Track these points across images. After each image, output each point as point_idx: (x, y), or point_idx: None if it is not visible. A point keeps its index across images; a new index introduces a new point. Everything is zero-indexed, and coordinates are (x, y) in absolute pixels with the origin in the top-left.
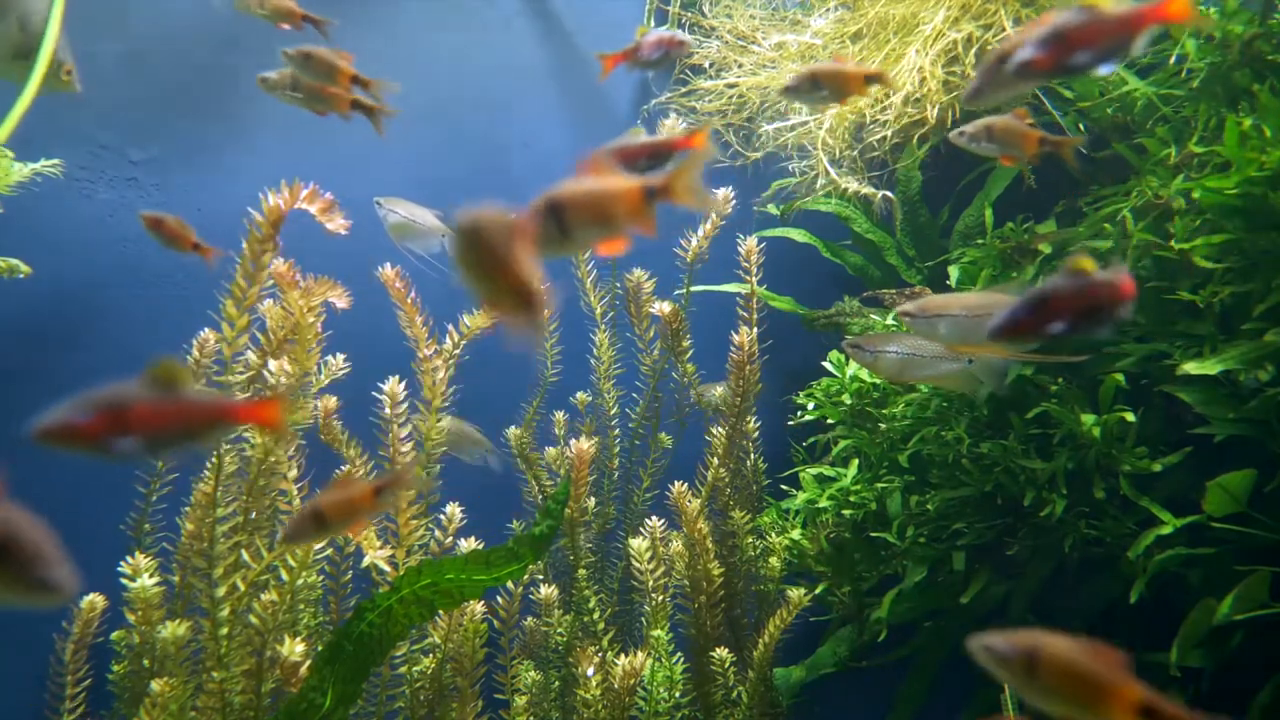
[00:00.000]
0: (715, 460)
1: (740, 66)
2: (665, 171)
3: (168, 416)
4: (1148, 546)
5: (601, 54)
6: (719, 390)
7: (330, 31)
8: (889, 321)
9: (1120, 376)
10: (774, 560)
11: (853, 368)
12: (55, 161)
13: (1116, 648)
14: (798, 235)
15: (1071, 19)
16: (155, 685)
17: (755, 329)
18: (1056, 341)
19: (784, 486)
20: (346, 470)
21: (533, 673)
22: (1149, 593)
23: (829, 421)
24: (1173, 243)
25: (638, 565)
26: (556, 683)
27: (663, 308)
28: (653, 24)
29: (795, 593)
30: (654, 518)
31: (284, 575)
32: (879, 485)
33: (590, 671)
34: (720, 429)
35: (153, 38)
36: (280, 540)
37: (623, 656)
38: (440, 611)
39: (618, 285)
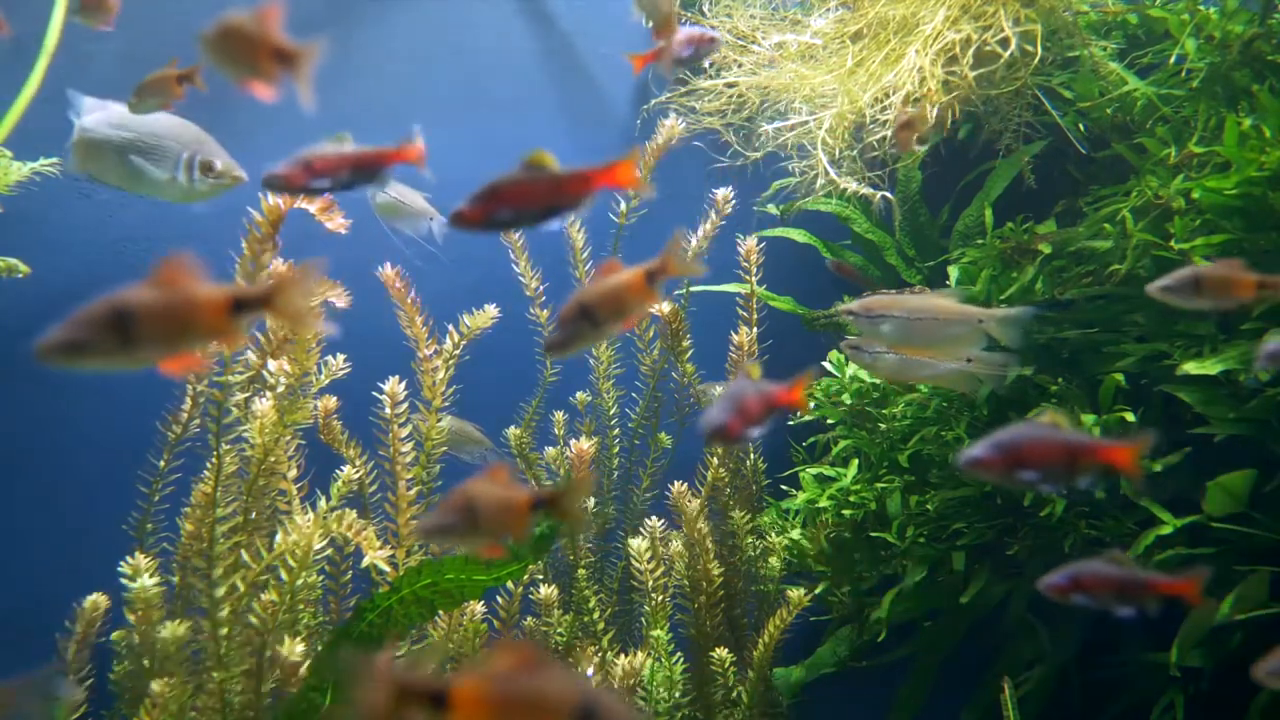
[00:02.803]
0: (715, 460)
1: (740, 66)
2: (662, 254)
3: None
4: (1148, 546)
5: (630, 54)
6: (719, 390)
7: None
8: None
9: (1120, 376)
10: (774, 560)
11: (852, 368)
12: (54, 161)
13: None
14: (798, 235)
15: (515, 177)
16: (155, 685)
17: (755, 329)
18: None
19: (784, 486)
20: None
21: None
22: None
23: (829, 421)
24: (1172, 243)
25: (637, 565)
26: None
27: (662, 307)
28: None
29: (795, 593)
30: (654, 518)
31: (283, 575)
32: (879, 485)
33: (590, 671)
34: None
35: (152, 38)
36: (420, 531)
37: (622, 656)
38: (440, 611)
39: None
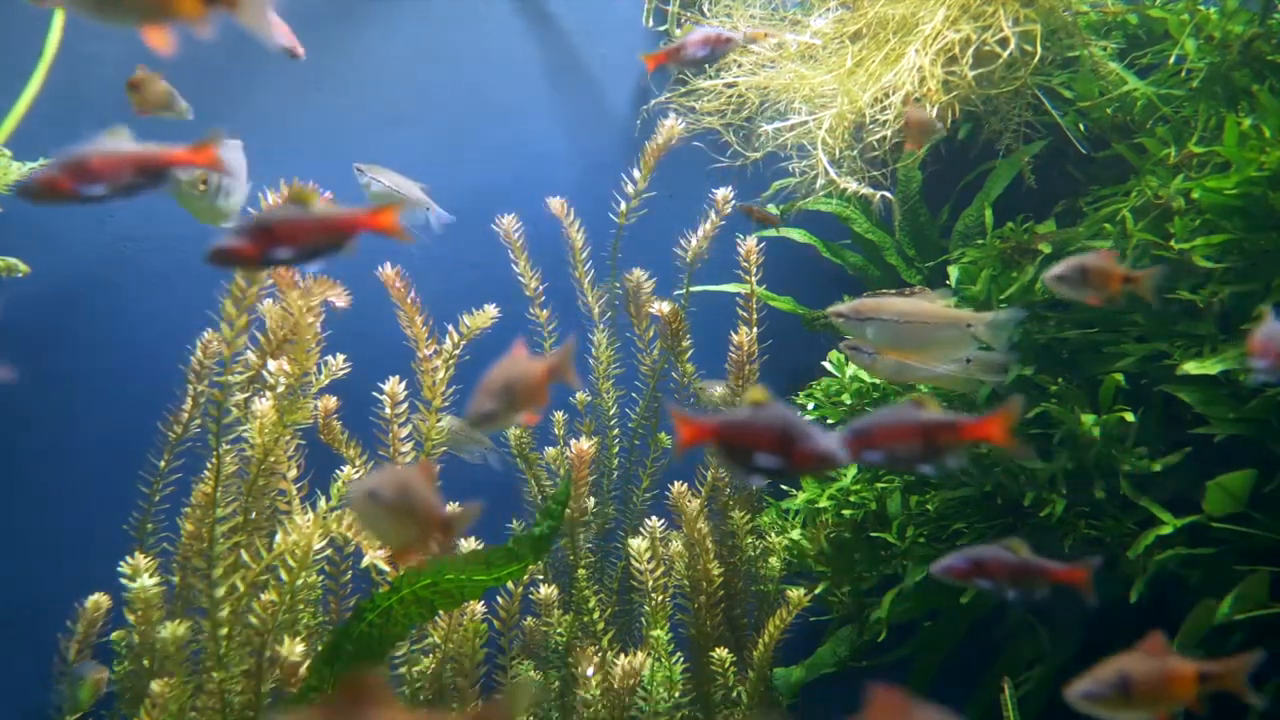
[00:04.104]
0: (715, 460)
1: (739, 66)
2: (557, 353)
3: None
4: (1148, 546)
5: (645, 54)
6: (719, 389)
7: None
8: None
9: (1120, 376)
10: (774, 560)
11: (852, 368)
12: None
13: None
14: (797, 235)
15: (283, 212)
16: (155, 685)
17: (755, 329)
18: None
19: (784, 486)
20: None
21: (533, 673)
22: (1149, 593)
23: (829, 422)
24: (1172, 243)
25: (637, 565)
26: (556, 683)
27: (662, 308)
28: (652, 23)
29: (795, 593)
30: (654, 518)
31: (283, 575)
32: (879, 485)
33: (590, 671)
34: None
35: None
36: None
37: (622, 656)
38: (440, 612)
39: (617, 285)
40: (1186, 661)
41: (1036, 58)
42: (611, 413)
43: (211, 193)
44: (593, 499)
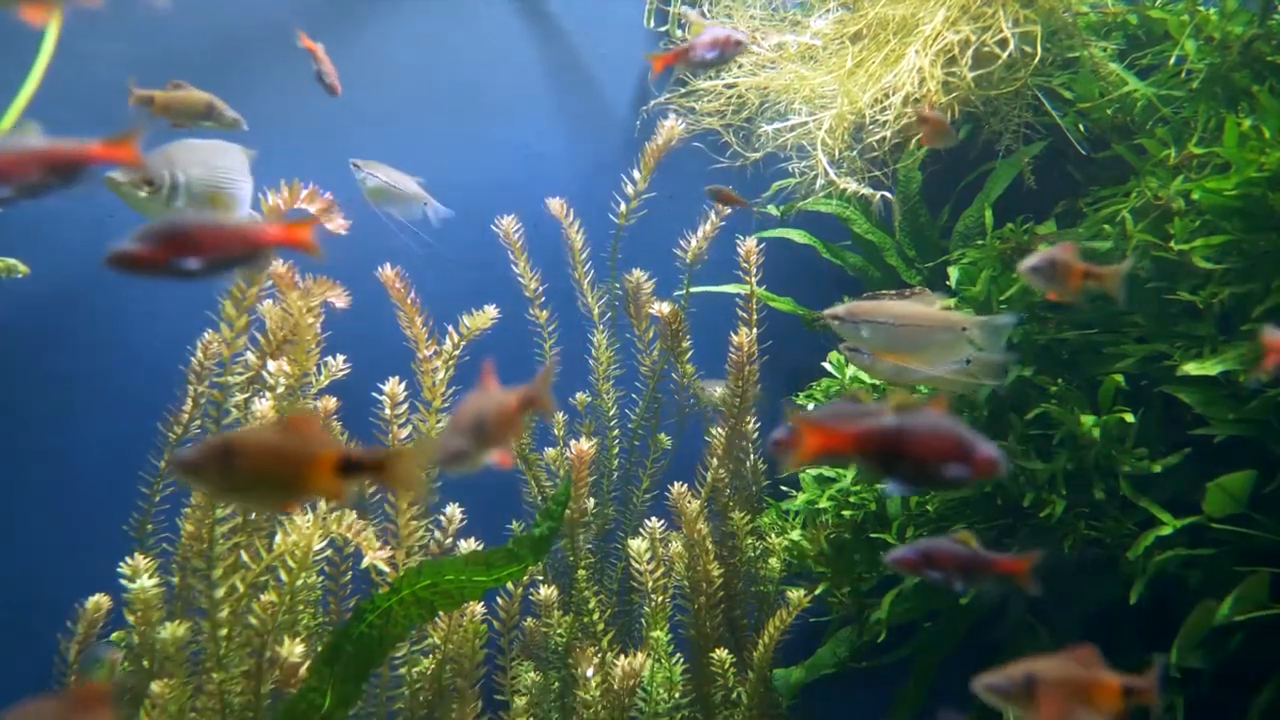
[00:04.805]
0: (715, 461)
1: (740, 67)
2: (533, 383)
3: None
4: (1147, 547)
5: (651, 54)
6: (719, 390)
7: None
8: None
9: (1120, 377)
10: (774, 561)
11: (852, 369)
12: None
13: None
14: (797, 236)
15: (197, 221)
16: (155, 686)
17: (755, 330)
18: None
19: (784, 487)
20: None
21: (532, 674)
22: (1149, 594)
23: None
24: (1172, 243)
25: (637, 566)
26: (556, 684)
27: (662, 308)
28: (653, 24)
29: (795, 594)
30: (653, 519)
31: (283, 576)
32: (879, 486)
33: (590, 672)
34: (720, 430)
35: (152, 39)
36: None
37: (622, 657)
38: (440, 612)
39: (616, 286)
40: (1110, 674)
41: (1036, 59)
42: (611, 413)
43: (164, 195)
44: (592, 500)
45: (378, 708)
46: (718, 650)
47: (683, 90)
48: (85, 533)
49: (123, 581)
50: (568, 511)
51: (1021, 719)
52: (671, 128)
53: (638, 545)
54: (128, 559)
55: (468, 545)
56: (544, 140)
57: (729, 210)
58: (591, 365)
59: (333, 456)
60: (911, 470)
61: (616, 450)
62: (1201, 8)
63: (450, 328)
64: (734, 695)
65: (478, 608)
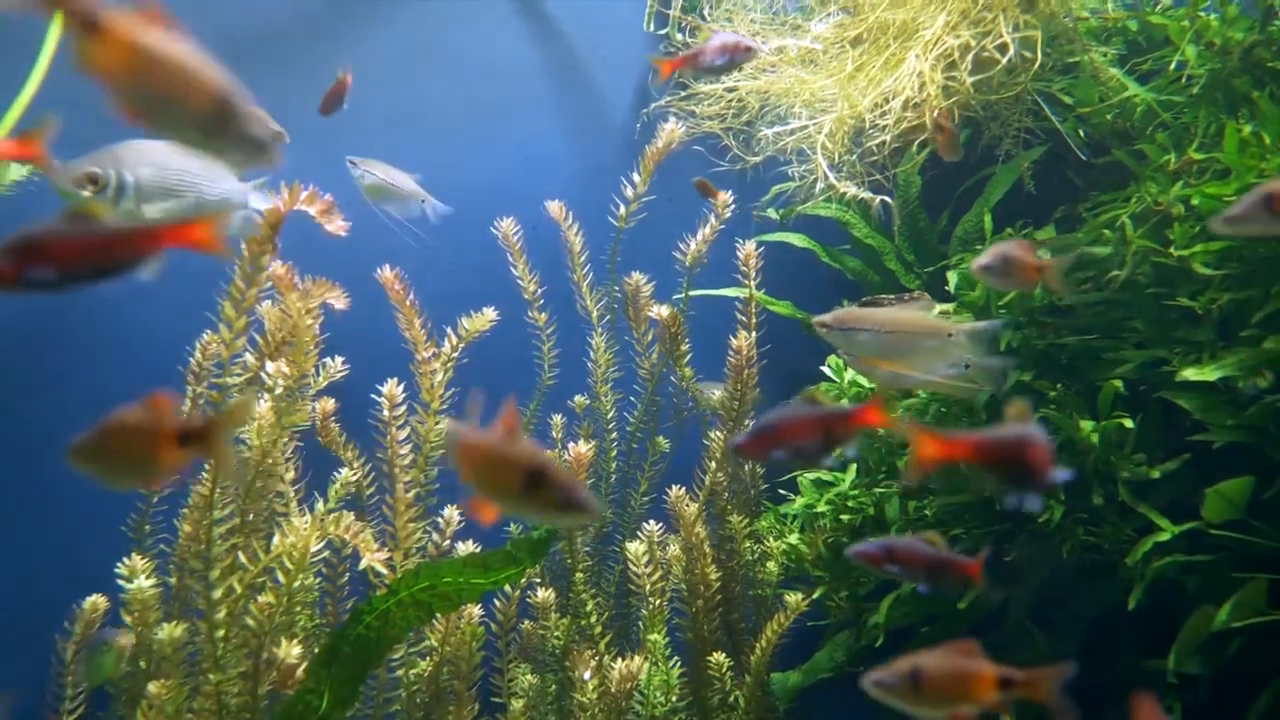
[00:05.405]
0: (713, 464)
1: (740, 70)
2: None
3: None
4: (1146, 553)
5: (657, 59)
6: (718, 394)
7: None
8: None
9: (1119, 382)
10: (771, 565)
11: (851, 373)
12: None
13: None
14: (797, 240)
15: (61, 230)
16: (152, 687)
17: (754, 333)
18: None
19: (782, 491)
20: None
21: (530, 676)
22: (1147, 599)
23: None
24: (1172, 249)
25: (635, 569)
26: (553, 686)
27: (661, 311)
28: (653, 27)
29: (793, 597)
30: (651, 522)
31: (281, 577)
32: (877, 490)
33: (587, 675)
34: (718, 433)
35: None
36: None
37: (620, 660)
38: (438, 615)
39: (616, 289)
40: (988, 665)
41: (1036, 63)
42: (610, 416)
43: (110, 196)
44: None
45: (375, 710)
46: (715, 654)
47: (683, 93)
48: (83, 533)
49: (120, 582)
50: None
51: (911, 713)
52: (671, 131)
53: (635, 548)
54: (125, 559)
55: (465, 547)
56: (543, 143)
57: (728, 213)
58: (590, 368)
59: (172, 429)
60: (1026, 476)
61: (615, 453)
62: (1202, 13)
63: (449, 330)
64: (731, 699)
65: (475, 610)
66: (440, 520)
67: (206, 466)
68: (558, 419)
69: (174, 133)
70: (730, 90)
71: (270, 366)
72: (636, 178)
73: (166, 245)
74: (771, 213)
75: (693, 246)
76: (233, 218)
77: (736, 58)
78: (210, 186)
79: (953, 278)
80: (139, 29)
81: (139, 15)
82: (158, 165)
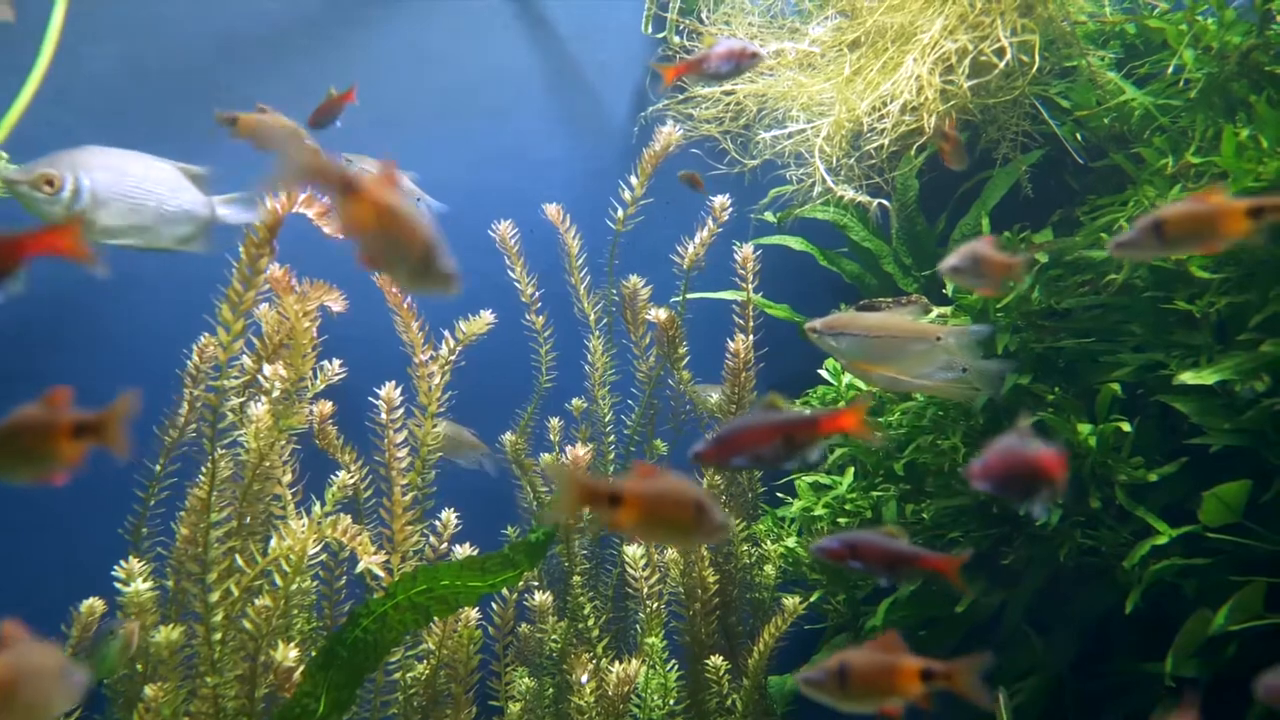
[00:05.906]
0: (714, 468)
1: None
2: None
3: None
4: (1143, 556)
5: (661, 65)
6: (715, 396)
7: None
8: None
9: (1117, 386)
10: (769, 568)
11: (848, 376)
12: None
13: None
14: (794, 243)
15: None
16: (149, 690)
17: (751, 336)
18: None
19: (779, 494)
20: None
21: (527, 679)
22: (1144, 603)
23: None
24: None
25: (632, 572)
26: (551, 689)
27: (659, 314)
28: (650, 30)
29: (790, 600)
30: None
31: (278, 580)
32: (874, 493)
33: (584, 678)
34: None
35: (151, 41)
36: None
37: (617, 663)
38: (435, 618)
39: (613, 291)
40: (911, 658)
41: (1034, 67)
42: (607, 419)
43: (65, 199)
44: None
45: (372, 713)
46: (712, 657)
47: (681, 97)
48: (80, 536)
49: (117, 585)
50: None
51: (842, 708)
52: (669, 134)
53: (633, 551)
54: (122, 562)
55: (463, 550)
56: (541, 146)
57: (726, 215)
58: (588, 371)
59: (67, 423)
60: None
61: (612, 456)
62: (1200, 17)
63: (446, 333)
64: (728, 702)
65: (473, 613)
66: (438, 523)
67: (203, 470)
68: (555, 422)
69: (394, 272)
70: (728, 93)
71: (268, 369)
72: (634, 180)
73: (31, 254)
74: (769, 216)
75: (690, 249)
76: (192, 229)
77: (743, 64)
78: (170, 197)
79: (950, 281)
80: (384, 191)
81: (382, 178)
82: (116, 171)
